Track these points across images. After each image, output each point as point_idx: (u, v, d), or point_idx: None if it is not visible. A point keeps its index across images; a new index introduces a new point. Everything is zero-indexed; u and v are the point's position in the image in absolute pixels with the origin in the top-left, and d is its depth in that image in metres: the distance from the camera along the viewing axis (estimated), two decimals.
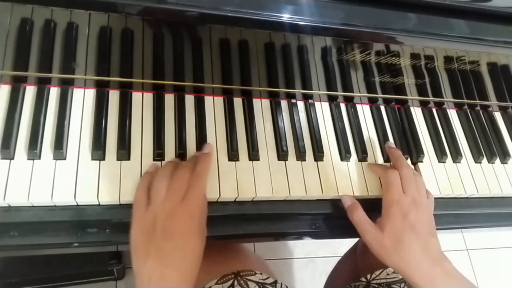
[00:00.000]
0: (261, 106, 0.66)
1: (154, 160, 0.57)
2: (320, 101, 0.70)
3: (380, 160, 0.68)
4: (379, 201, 0.62)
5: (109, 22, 0.52)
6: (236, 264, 0.72)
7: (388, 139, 0.70)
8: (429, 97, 0.74)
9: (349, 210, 0.60)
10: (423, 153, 0.70)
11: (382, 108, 0.73)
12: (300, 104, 0.69)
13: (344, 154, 0.65)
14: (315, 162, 0.64)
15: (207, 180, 0.55)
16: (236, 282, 0.67)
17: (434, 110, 0.76)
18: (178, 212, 0.50)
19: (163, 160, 0.57)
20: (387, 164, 0.68)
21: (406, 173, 0.61)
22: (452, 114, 0.77)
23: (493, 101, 0.77)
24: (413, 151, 0.70)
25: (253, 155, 0.61)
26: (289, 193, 0.60)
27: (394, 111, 0.73)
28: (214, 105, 0.64)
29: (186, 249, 0.50)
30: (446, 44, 0.60)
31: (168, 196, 0.50)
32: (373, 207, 0.60)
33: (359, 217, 0.59)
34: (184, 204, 0.50)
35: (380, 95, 0.71)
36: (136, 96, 0.61)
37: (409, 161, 0.69)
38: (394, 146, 0.69)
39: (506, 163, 0.75)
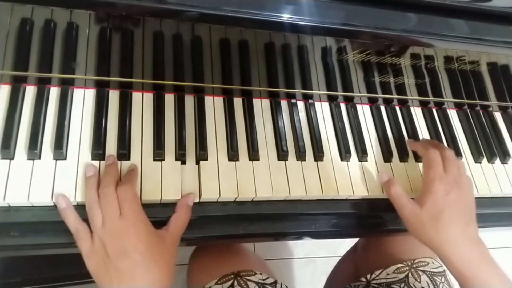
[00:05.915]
0: (261, 106, 0.66)
1: (154, 160, 0.57)
2: (320, 101, 0.70)
3: (380, 160, 0.68)
4: (379, 201, 0.62)
5: (109, 22, 0.52)
6: (236, 264, 0.72)
7: (388, 139, 0.70)
8: (429, 97, 0.74)
9: (386, 186, 0.61)
10: None
11: (382, 108, 0.73)
12: (300, 104, 0.69)
13: (344, 154, 0.65)
14: (315, 162, 0.64)
15: (135, 184, 0.54)
16: (236, 283, 0.67)
17: (434, 110, 0.76)
18: (121, 228, 0.49)
19: (163, 160, 0.57)
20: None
21: (448, 154, 0.60)
22: (452, 114, 0.77)
23: (493, 101, 0.77)
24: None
25: (253, 155, 0.61)
26: (289, 193, 0.60)
27: (394, 111, 0.73)
28: (214, 105, 0.64)
29: (146, 256, 0.49)
30: (446, 44, 0.60)
31: (105, 218, 0.49)
32: (373, 207, 0.60)
33: (396, 192, 0.59)
34: (123, 218, 0.49)
35: (380, 95, 0.71)
36: (136, 96, 0.61)
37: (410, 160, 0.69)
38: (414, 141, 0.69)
39: (506, 163, 0.75)
